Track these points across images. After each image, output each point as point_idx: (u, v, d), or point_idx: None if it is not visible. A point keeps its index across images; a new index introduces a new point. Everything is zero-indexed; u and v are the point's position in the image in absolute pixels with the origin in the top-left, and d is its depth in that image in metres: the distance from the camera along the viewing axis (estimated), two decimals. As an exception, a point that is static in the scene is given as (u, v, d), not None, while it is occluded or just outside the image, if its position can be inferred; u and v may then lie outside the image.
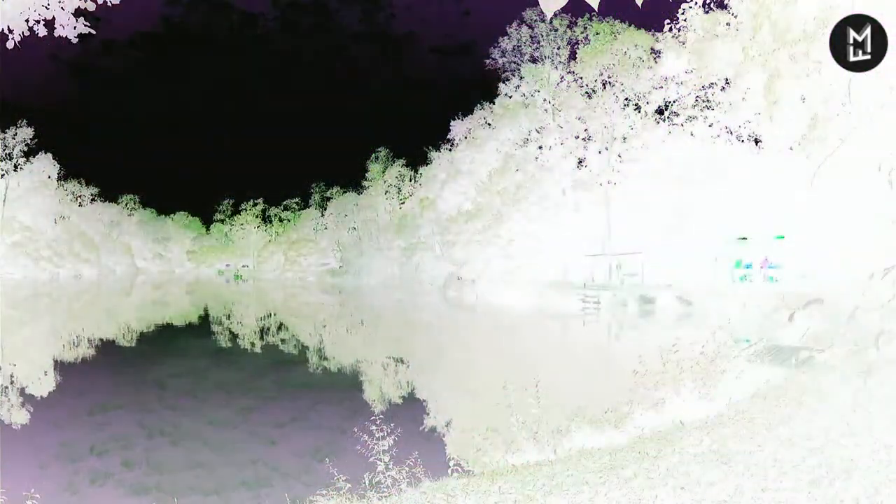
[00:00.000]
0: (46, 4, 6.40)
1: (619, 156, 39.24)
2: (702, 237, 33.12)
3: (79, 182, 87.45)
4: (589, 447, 6.39)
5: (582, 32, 43.26)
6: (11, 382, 12.83)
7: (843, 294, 13.52)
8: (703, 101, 35.74)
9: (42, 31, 6.45)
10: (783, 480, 4.42)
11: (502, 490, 4.75)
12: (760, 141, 31.28)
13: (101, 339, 21.04)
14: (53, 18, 6.49)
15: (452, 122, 55.65)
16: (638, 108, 39.23)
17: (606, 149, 39.78)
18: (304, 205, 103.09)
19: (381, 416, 6.72)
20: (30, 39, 6.57)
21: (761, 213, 29.82)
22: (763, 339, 12.20)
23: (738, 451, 5.16)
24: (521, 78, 45.80)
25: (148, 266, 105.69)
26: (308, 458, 8.08)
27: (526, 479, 4.98)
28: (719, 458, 5.04)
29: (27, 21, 6.36)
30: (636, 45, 38.08)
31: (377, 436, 6.00)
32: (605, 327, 24.57)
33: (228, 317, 32.62)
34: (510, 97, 47.14)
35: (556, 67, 44.28)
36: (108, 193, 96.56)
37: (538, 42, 45.36)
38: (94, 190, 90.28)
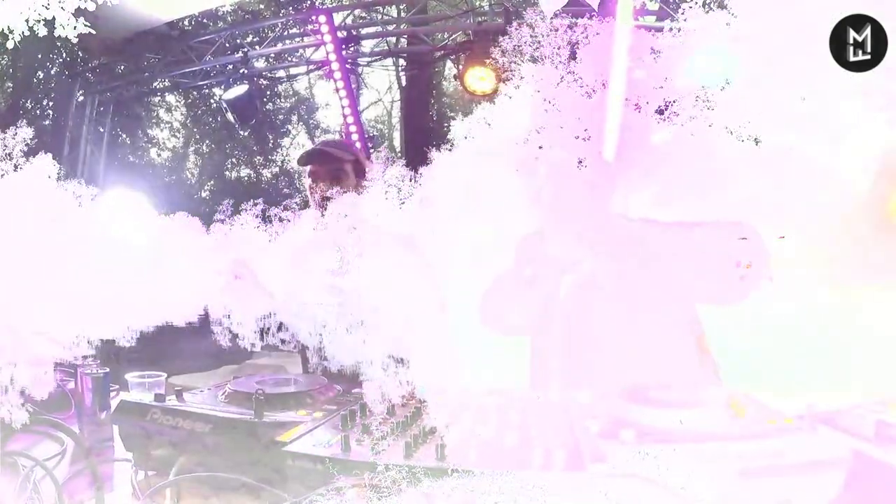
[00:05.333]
0: (46, 4, 6.40)
1: (619, 156, 39.40)
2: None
3: (79, 182, 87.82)
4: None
5: (582, 32, 43.49)
6: (11, 382, 12.84)
7: (843, 294, 13.53)
8: (704, 101, 35.89)
9: (42, 31, 6.44)
10: (783, 480, 4.41)
11: (502, 490, 4.74)
12: (760, 141, 31.42)
13: (101, 339, 21.06)
14: (53, 18, 6.49)
15: (452, 122, 55.90)
16: (638, 107, 39.38)
17: (606, 149, 39.93)
18: (304, 205, 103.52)
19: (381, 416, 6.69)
20: (30, 39, 6.57)
21: (761, 213, 29.86)
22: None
23: (738, 451, 5.14)
24: (521, 78, 46.05)
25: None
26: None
27: (526, 479, 4.97)
28: (719, 458, 5.03)
29: (27, 21, 6.36)
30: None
31: (377, 436, 5.99)
32: (605, 327, 24.54)
33: (228, 316, 32.69)
34: (510, 97, 47.44)
35: (557, 67, 44.49)
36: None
37: (538, 42, 45.61)
38: (94, 190, 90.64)
